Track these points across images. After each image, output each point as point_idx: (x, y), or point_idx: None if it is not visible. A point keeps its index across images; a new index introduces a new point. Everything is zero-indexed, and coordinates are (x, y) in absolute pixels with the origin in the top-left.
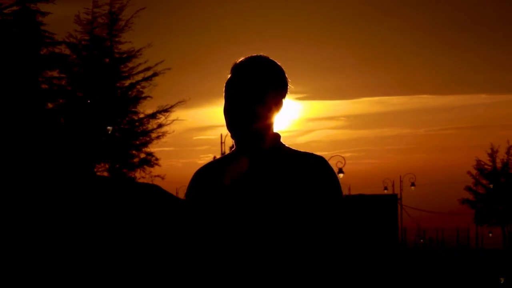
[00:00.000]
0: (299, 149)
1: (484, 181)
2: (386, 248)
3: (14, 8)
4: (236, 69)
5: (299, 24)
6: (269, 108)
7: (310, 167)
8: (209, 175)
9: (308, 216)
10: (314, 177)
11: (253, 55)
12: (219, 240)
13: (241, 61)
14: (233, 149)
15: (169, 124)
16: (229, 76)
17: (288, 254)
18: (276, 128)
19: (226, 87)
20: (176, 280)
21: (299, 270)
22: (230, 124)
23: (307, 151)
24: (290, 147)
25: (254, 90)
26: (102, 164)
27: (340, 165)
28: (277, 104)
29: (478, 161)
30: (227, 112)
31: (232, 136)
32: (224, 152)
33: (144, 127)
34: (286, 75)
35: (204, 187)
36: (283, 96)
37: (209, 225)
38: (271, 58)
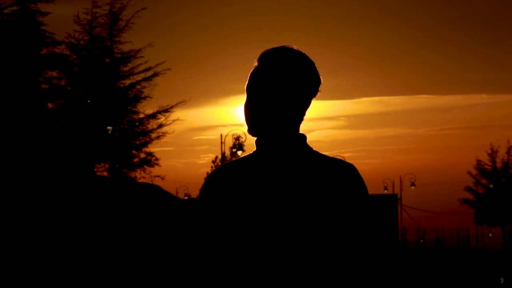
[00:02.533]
0: None
1: (484, 181)
2: (386, 248)
3: (14, 8)
4: (264, 59)
5: (299, 24)
6: (298, 106)
7: (339, 173)
8: (230, 177)
9: (337, 222)
10: (344, 183)
11: (284, 45)
12: (245, 244)
13: (270, 50)
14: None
15: (169, 124)
16: (255, 65)
17: (318, 260)
18: None
19: (250, 78)
20: (177, 279)
21: (328, 277)
22: (252, 121)
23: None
24: (318, 151)
25: (282, 84)
26: (102, 164)
27: None
28: (306, 102)
29: (478, 161)
30: (249, 107)
31: (252, 133)
32: (224, 152)
33: (144, 127)
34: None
35: (226, 190)
36: (314, 94)
37: (233, 228)
38: (302, 51)
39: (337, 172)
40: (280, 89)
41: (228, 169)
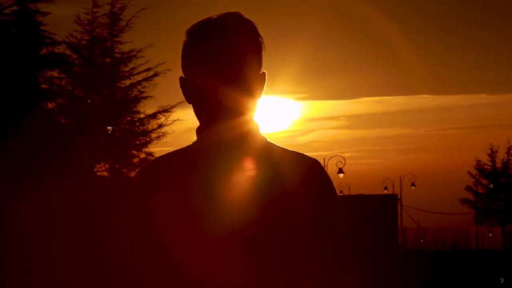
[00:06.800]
0: (299, 149)
1: (484, 181)
2: (386, 248)
3: (14, 8)
4: (204, 29)
5: (300, 24)
6: (251, 84)
7: (297, 167)
8: (169, 172)
9: (301, 221)
10: (301, 178)
11: (224, 12)
12: (197, 246)
13: (210, 19)
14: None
15: (169, 124)
16: (188, 39)
17: (279, 260)
18: (276, 128)
19: (187, 54)
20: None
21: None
22: (197, 107)
23: (307, 151)
24: (274, 143)
25: (232, 58)
26: (102, 164)
27: (340, 165)
28: (260, 80)
29: (478, 161)
30: (191, 89)
31: (198, 117)
32: None
33: (144, 127)
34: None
35: (154, 184)
36: (257, 62)
37: (160, 227)
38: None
39: (294, 166)
40: (228, 65)
41: (160, 162)
